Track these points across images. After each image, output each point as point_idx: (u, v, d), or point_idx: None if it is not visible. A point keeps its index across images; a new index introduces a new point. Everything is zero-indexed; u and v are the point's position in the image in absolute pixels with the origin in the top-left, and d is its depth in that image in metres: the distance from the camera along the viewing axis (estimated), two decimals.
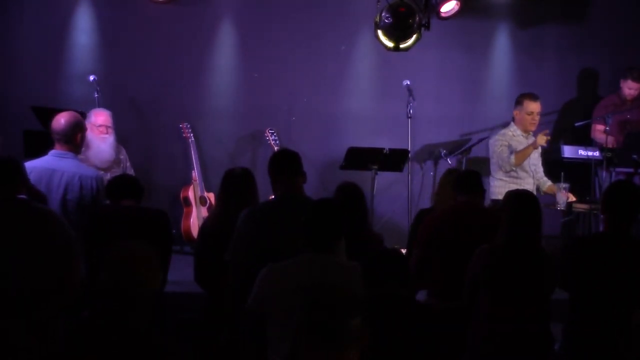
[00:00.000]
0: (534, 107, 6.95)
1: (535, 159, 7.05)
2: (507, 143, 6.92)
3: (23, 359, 3.52)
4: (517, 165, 6.85)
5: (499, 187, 6.88)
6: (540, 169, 7.15)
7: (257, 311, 3.47)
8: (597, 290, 3.78)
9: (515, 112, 7.05)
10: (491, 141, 7.09)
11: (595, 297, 3.78)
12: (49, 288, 3.64)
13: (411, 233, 5.16)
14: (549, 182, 7.07)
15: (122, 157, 6.58)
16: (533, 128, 6.98)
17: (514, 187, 6.61)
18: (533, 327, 3.86)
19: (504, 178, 6.93)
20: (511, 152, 6.88)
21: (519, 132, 6.99)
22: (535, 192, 6.80)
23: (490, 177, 7.07)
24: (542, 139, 6.81)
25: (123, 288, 2.72)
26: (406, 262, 3.65)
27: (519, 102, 7.03)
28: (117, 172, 6.25)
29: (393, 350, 3.29)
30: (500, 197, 5.58)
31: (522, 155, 6.84)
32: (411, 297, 3.61)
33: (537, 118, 6.97)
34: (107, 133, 6.32)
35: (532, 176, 6.99)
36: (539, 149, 7.10)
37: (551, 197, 6.98)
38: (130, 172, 6.46)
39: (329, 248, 3.47)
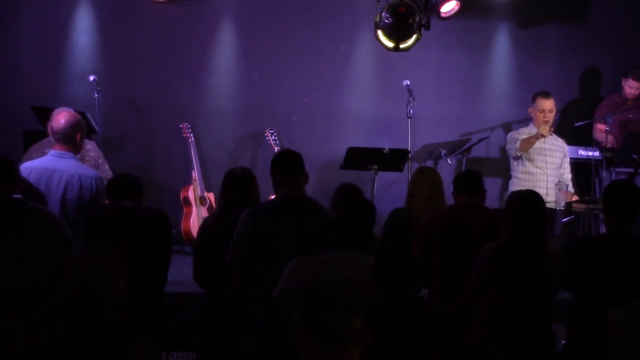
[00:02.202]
0: (546, 104, 7.08)
1: (555, 158, 7.10)
2: (519, 137, 7.07)
3: (18, 357, 3.52)
4: (523, 151, 6.97)
5: (514, 185, 7.06)
6: (567, 172, 7.18)
7: (281, 303, 3.46)
8: (599, 290, 3.78)
9: (530, 109, 7.24)
10: (507, 137, 7.31)
11: (597, 297, 3.78)
12: (44, 287, 3.63)
13: (385, 230, 5.11)
14: (566, 184, 7.08)
15: (92, 154, 6.40)
16: (546, 125, 7.02)
17: (526, 184, 6.87)
18: (535, 327, 3.85)
19: (518, 175, 7.10)
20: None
21: (534, 129, 7.10)
22: (550, 191, 6.84)
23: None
24: (544, 129, 6.91)
25: (89, 290, 2.75)
26: (413, 262, 3.63)
27: (533, 99, 7.21)
28: None
29: (393, 350, 3.28)
30: None
31: (526, 142, 6.95)
32: (418, 298, 3.59)
33: (549, 115, 7.09)
34: None
35: (547, 174, 7.01)
36: (565, 149, 7.18)
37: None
38: (104, 168, 6.36)
39: (360, 245, 3.50)
